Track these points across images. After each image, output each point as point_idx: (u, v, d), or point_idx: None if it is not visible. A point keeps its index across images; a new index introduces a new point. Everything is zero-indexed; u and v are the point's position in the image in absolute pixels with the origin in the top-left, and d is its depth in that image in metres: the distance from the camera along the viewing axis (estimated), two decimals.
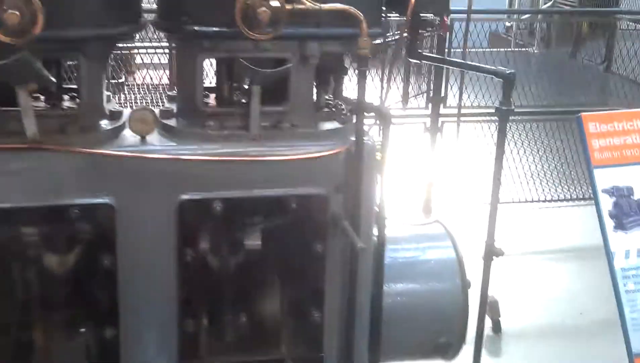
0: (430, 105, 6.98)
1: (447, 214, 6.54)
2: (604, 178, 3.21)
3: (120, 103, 7.89)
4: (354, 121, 2.48)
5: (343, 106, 2.54)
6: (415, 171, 6.64)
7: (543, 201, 6.88)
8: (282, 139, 2.46)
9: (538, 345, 4.45)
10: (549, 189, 7.01)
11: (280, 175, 2.44)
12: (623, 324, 3.13)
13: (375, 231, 2.62)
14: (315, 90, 2.59)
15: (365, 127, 2.53)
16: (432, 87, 7.63)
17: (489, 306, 4.58)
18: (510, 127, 7.24)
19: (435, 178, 6.63)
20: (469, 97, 8.04)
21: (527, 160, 7.38)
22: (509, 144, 7.06)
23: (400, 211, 6.06)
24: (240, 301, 2.52)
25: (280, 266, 2.53)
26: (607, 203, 3.20)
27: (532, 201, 6.86)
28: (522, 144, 7.59)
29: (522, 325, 4.67)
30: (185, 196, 2.38)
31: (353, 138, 2.44)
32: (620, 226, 3.19)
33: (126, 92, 8.57)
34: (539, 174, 7.20)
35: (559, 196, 6.91)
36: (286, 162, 2.43)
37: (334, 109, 2.55)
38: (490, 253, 2.60)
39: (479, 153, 6.85)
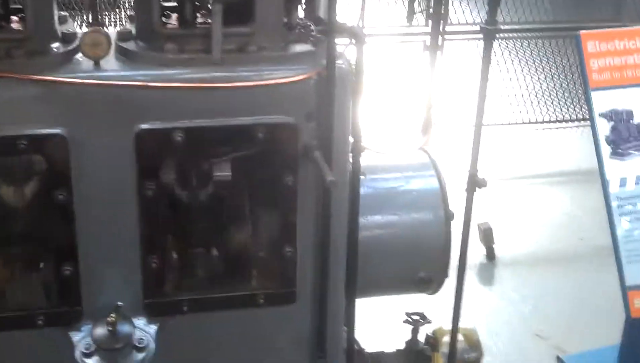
0: (430, 22, 6.75)
1: (444, 137, 6.45)
2: (602, 101, 3.07)
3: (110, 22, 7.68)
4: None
5: (312, 27, 2.38)
6: (415, 91, 6.48)
7: (541, 123, 6.70)
8: (248, 64, 2.31)
9: (533, 272, 4.38)
10: (548, 110, 6.83)
11: (246, 103, 2.30)
12: (617, 256, 3.04)
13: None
14: (285, 9, 2.43)
15: (342, 49, 2.39)
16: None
17: (482, 233, 4.51)
18: (511, 44, 7.05)
19: (434, 98, 6.46)
20: (471, 13, 7.75)
21: (532, 79, 7.18)
22: (512, 62, 6.86)
23: (394, 135, 5.96)
24: (208, 235, 2.43)
25: (248, 200, 2.43)
26: (604, 127, 3.07)
27: (530, 123, 6.68)
28: (527, 62, 7.37)
29: (518, 252, 4.60)
30: (143, 126, 2.25)
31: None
32: (617, 152, 3.06)
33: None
34: (543, 94, 7.01)
35: (557, 117, 6.73)
36: (252, 88, 2.29)
37: (303, 30, 2.39)
38: (473, 183, 2.47)
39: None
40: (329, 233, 2.42)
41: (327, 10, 2.28)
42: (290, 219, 2.43)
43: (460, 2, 7.06)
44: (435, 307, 3.42)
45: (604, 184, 3.03)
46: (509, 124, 6.57)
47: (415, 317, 2.94)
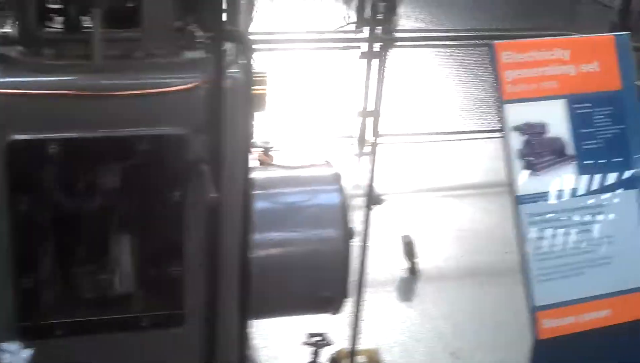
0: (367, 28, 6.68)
1: (380, 146, 6.40)
2: (516, 114, 3.01)
3: None
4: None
5: (198, 33, 2.28)
6: (350, 100, 6.41)
7: (457, 133, 6.58)
8: (133, 71, 2.20)
9: (456, 287, 4.33)
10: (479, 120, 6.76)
11: (129, 113, 2.19)
12: (526, 274, 2.99)
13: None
14: (178, 14, 2.32)
15: (245, 57, 2.28)
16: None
17: (405, 247, 4.45)
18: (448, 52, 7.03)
19: (370, 107, 6.41)
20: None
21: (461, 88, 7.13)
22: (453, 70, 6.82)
23: (311, 145, 5.87)
24: (87, 254, 2.30)
25: (132, 216, 2.31)
26: (517, 141, 3.01)
27: (446, 133, 6.57)
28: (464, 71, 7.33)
29: (442, 267, 4.54)
30: (16, 136, 2.12)
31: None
32: (529, 167, 3.01)
33: None
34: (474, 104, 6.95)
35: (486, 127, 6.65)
36: (136, 97, 2.18)
37: (188, 37, 2.28)
38: (370, 200, 2.40)
39: (419, 80, 6.65)
40: (216, 251, 2.32)
41: (214, 14, 2.18)
42: (177, 237, 2.32)
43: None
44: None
45: (515, 200, 2.98)
46: (437, 133, 6.54)
47: (316, 338, 2.86)
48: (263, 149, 2.97)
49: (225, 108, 2.22)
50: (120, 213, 2.29)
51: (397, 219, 4.99)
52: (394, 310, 4.06)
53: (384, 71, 6.31)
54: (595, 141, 3.10)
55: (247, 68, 2.23)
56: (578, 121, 3.08)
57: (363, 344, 3.16)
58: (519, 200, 2.99)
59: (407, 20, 7.22)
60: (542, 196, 3.01)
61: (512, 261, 4.54)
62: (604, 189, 3.11)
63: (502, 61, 2.99)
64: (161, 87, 2.19)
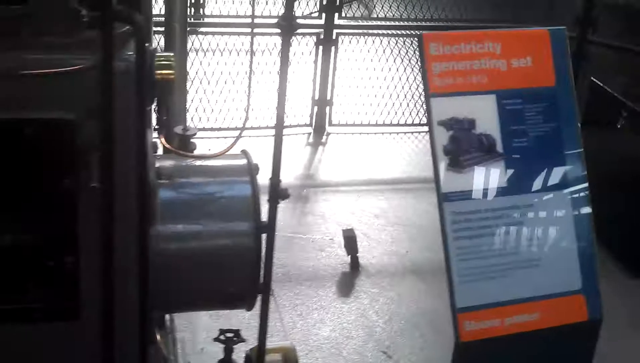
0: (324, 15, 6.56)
1: (335, 135, 6.31)
2: (442, 108, 2.93)
3: None
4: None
5: (85, 12, 2.16)
6: (306, 88, 6.30)
7: (408, 126, 6.43)
8: (19, 49, 2.09)
9: (396, 283, 4.24)
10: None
11: (15, 95, 2.08)
12: (449, 274, 2.91)
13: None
14: None
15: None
16: None
17: (346, 241, 4.36)
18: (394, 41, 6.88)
19: (326, 95, 6.31)
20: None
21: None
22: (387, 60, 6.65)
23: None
24: None
25: (21, 204, 2.20)
26: (442, 136, 2.93)
27: (396, 125, 6.46)
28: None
29: (385, 262, 4.45)
30: None
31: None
32: (455, 163, 2.93)
33: None
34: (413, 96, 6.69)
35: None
36: (22, 78, 2.06)
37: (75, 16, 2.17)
38: (275, 194, 2.30)
39: (377, 69, 6.53)
40: (108, 242, 2.21)
41: None
42: (69, 226, 2.21)
43: None
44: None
45: (439, 198, 2.90)
46: (388, 125, 6.43)
47: (229, 335, 2.76)
48: (180, 137, 2.86)
49: (117, 93, 2.10)
50: (8, 202, 2.17)
51: (341, 212, 4.91)
52: (329, 306, 3.97)
53: (335, 59, 6.27)
54: (526, 139, 3.03)
55: (144, 50, 2.11)
56: (508, 117, 3.01)
57: (283, 341, 3.08)
58: (444, 197, 2.91)
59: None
60: (468, 194, 2.94)
61: None
62: (534, 188, 3.04)
63: (430, 53, 2.91)
64: (49, 68, 2.07)
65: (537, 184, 3.03)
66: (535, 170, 3.03)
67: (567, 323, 3.06)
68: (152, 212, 2.36)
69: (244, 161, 2.65)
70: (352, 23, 6.97)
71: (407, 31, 6.93)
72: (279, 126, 2.26)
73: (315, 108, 6.35)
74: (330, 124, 6.34)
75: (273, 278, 4.17)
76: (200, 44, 6.17)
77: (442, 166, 2.90)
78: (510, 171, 2.99)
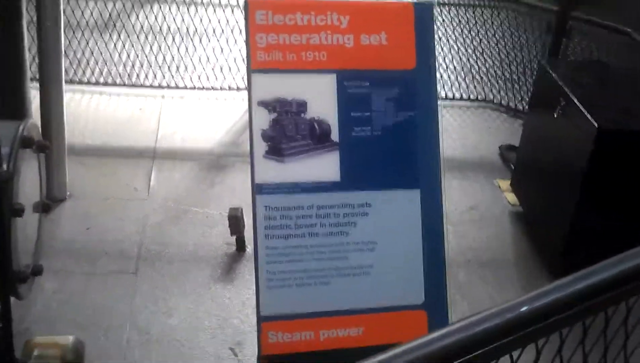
0: None
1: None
2: (265, 86, 2.59)
3: None
4: None
5: None
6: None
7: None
8: None
9: None
10: None
11: None
12: (257, 278, 2.59)
13: None
14: None
15: None
16: None
17: (230, 221, 4.05)
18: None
19: None
20: None
21: None
22: None
23: None
24: None
25: None
26: (262, 119, 2.59)
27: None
28: None
29: None
30: None
31: None
32: (275, 151, 2.59)
33: None
34: None
35: None
36: None
37: None
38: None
39: None
40: None
41: None
42: None
43: None
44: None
45: (253, 189, 2.56)
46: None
47: None
48: None
49: None
50: None
51: (236, 189, 4.59)
52: (192, 292, 3.67)
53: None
54: (369, 128, 2.68)
55: None
56: (350, 102, 2.66)
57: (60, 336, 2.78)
58: (258, 189, 2.58)
59: None
60: (288, 187, 2.60)
61: None
62: (373, 185, 2.68)
63: (255, 22, 2.56)
64: None
65: (378, 180, 2.68)
66: (378, 164, 2.68)
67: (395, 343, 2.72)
68: None
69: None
70: None
71: None
72: None
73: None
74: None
75: (144, 256, 3.96)
76: None
77: (259, 153, 2.56)
78: (345, 164, 2.64)
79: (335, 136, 2.63)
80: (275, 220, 2.58)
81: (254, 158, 2.56)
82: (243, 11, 2.56)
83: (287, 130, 2.58)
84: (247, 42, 2.56)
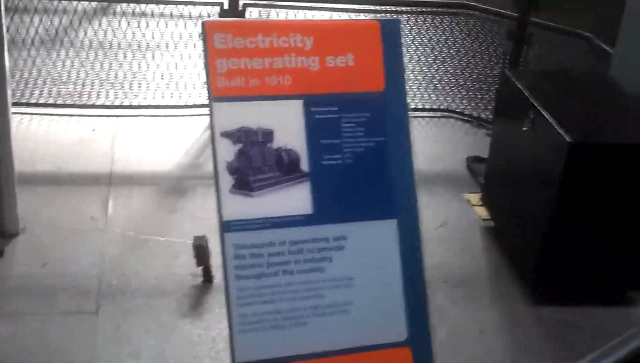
0: None
1: None
2: (228, 116, 2.42)
3: None
4: None
5: None
6: None
7: None
8: None
9: None
10: None
11: None
12: (230, 321, 2.41)
13: None
14: None
15: None
16: None
17: (196, 251, 3.87)
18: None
19: None
20: None
21: None
22: None
23: None
24: None
25: None
26: (227, 151, 2.41)
27: None
28: None
29: None
30: None
31: None
32: (243, 185, 2.42)
33: None
34: None
35: None
36: None
37: None
38: None
39: None
40: None
41: None
42: None
43: None
44: None
45: (221, 227, 2.40)
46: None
47: None
48: None
49: None
50: None
51: (198, 215, 4.41)
52: (159, 330, 3.49)
53: None
54: (340, 156, 2.52)
55: None
56: (318, 128, 2.50)
57: None
58: (226, 227, 2.40)
59: None
60: (258, 223, 2.43)
61: None
62: (348, 216, 2.52)
63: (214, 46, 2.39)
64: None
65: (353, 210, 2.52)
66: (351, 194, 2.52)
67: None
68: None
69: None
70: None
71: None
72: None
73: None
74: None
75: (105, 291, 3.76)
76: None
77: (225, 187, 2.39)
78: (316, 195, 2.47)
79: (305, 165, 2.46)
80: (246, 259, 2.40)
81: (220, 193, 2.38)
82: (200, 34, 2.38)
83: (253, 161, 2.41)
84: (206, 68, 2.38)
